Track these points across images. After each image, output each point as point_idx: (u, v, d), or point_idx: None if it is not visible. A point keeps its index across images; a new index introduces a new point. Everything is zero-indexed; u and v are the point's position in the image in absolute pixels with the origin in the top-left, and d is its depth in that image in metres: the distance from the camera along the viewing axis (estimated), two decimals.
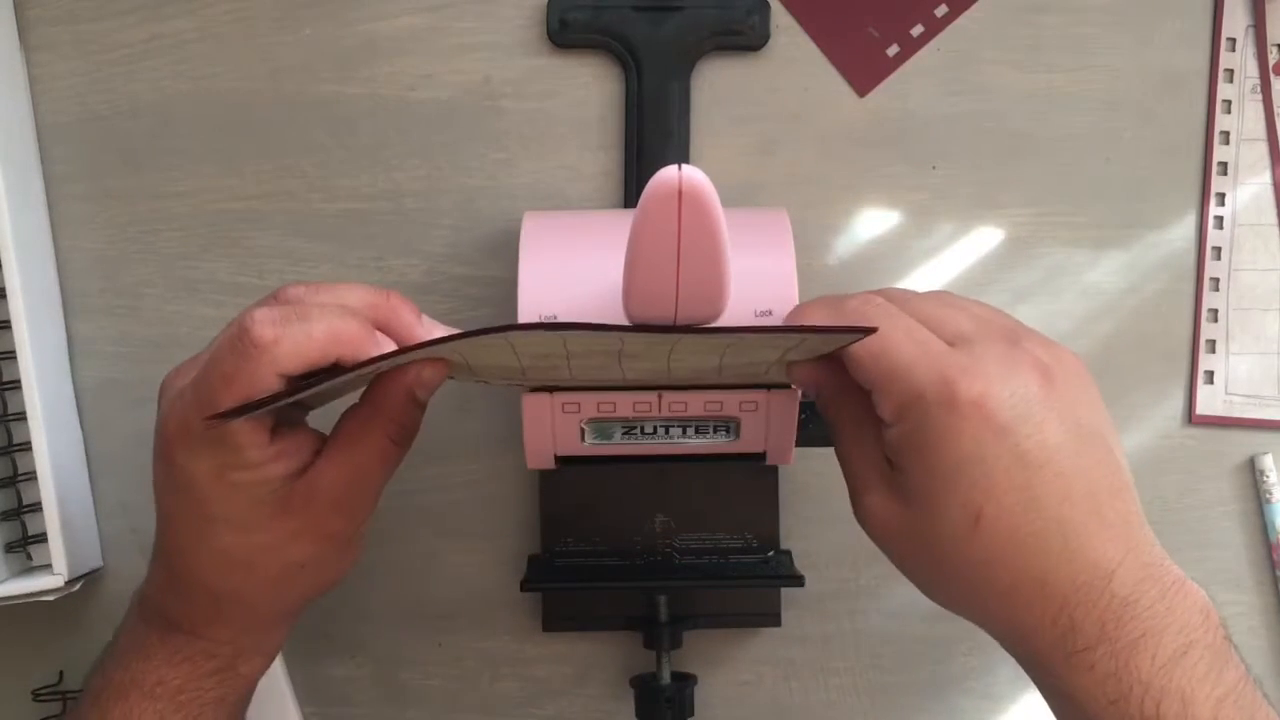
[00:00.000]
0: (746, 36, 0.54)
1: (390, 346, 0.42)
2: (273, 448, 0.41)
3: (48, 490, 0.50)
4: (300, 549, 0.42)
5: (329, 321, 0.39)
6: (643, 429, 0.46)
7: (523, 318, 0.44)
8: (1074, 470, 0.36)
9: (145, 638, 0.44)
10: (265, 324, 0.38)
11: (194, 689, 0.44)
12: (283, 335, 0.38)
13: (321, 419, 0.45)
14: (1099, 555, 0.36)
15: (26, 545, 0.52)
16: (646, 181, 0.35)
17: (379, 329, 0.42)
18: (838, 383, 0.41)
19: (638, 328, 0.37)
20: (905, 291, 0.42)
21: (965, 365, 0.37)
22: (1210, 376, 0.56)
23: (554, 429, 0.46)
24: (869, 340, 0.38)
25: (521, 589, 0.50)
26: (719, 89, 0.55)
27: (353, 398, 0.44)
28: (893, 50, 0.55)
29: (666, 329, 0.37)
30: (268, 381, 0.38)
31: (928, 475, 0.37)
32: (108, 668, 0.45)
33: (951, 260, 0.56)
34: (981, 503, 0.36)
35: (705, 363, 0.42)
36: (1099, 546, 0.36)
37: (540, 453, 0.47)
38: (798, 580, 0.50)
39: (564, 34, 0.54)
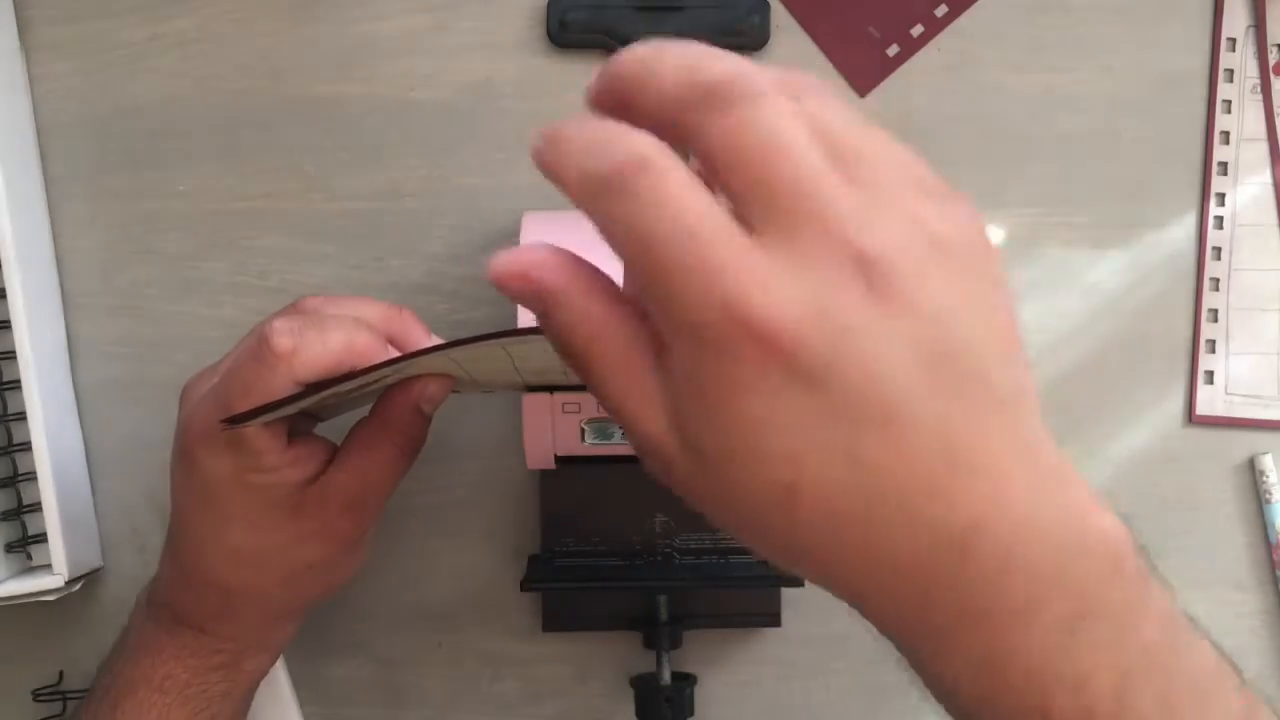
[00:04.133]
0: (746, 36, 0.54)
1: None
2: (289, 453, 0.43)
3: (48, 490, 0.50)
4: (311, 550, 0.44)
5: (345, 332, 0.42)
6: None
7: (522, 318, 0.44)
8: (918, 415, 0.26)
9: (154, 634, 0.46)
10: (284, 334, 0.40)
11: (200, 683, 0.46)
12: (300, 345, 0.40)
13: (333, 434, 0.46)
14: (952, 518, 0.26)
15: (26, 545, 0.52)
16: None
17: (390, 342, 0.45)
18: (582, 290, 0.29)
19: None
20: (698, 83, 0.27)
21: (758, 287, 0.25)
22: (1210, 376, 0.56)
23: (554, 429, 0.46)
24: (631, 229, 0.26)
25: (521, 589, 0.50)
26: None
27: (363, 411, 0.45)
28: (893, 50, 0.55)
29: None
30: (285, 389, 0.40)
31: (723, 436, 0.27)
32: (116, 664, 0.46)
33: None
34: (794, 476, 0.26)
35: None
36: (953, 506, 0.26)
37: (540, 453, 0.47)
38: (798, 580, 0.50)
39: (564, 34, 0.54)
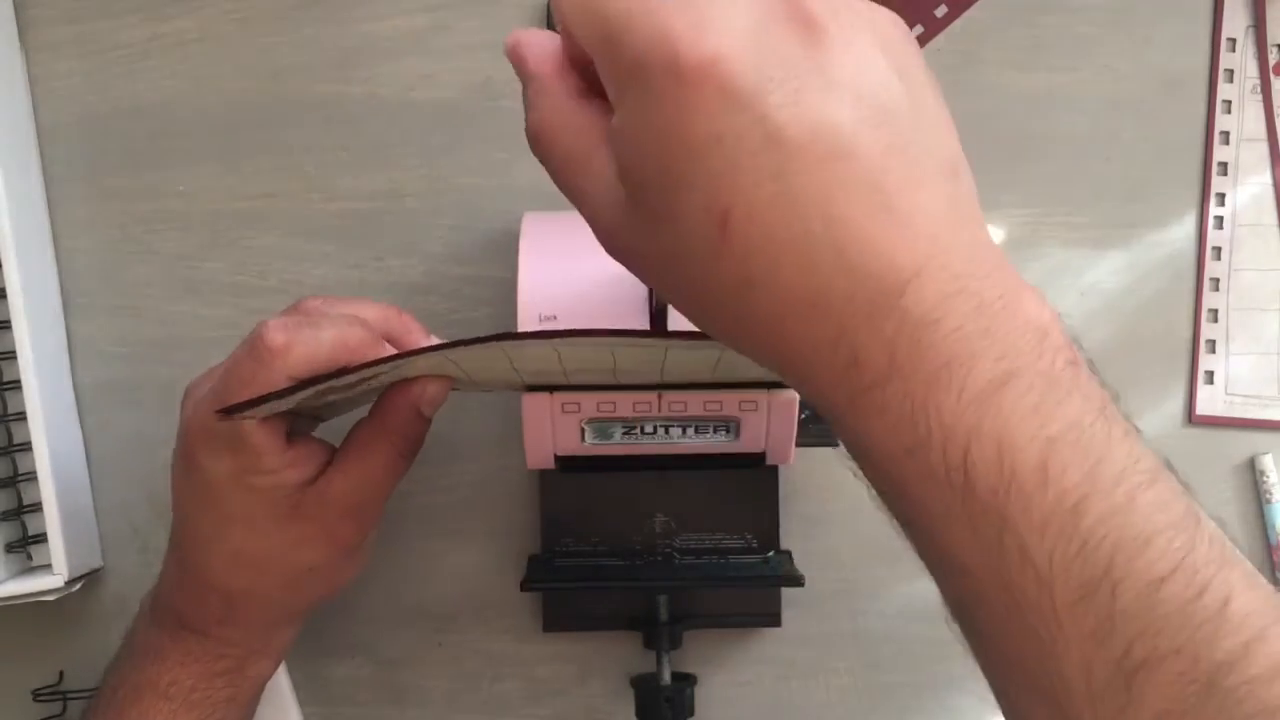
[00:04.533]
0: None
1: None
2: (288, 454, 0.43)
3: (48, 490, 0.50)
4: (311, 552, 0.45)
5: (339, 329, 0.42)
6: (642, 429, 0.46)
7: (521, 318, 0.44)
8: (849, 152, 0.27)
9: (158, 639, 0.46)
10: (278, 331, 0.41)
11: (205, 688, 0.46)
12: (295, 340, 0.41)
13: (333, 436, 0.46)
14: (884, 263, 0.27)
15: (26, 545, 0.52)
16: None
17: (389, 342, 0.45)
18: (555, 77, 0.32)
19: (630, 332, 0.37)
20: None
21: (694, 17, 0.27)
22: (1210, 376, 0.56)
23: (554, 429, 0.46)
24: None
25: (521, 589, 0.50)
26: None
27: (361, 412, 0.45)
28: None
29: (662, 334, 0.38)
30: (281, 385, 0.40)
31: (661, 173, 0.28)
32: (121, 670, 0.47)
33: None
34: (727, 201, 0.27)
35: (700, 366, 0.42)
36: (885, 252, 0.27)
37: (540, 452, 0.47)
38: (798, 580, 0.50)
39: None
